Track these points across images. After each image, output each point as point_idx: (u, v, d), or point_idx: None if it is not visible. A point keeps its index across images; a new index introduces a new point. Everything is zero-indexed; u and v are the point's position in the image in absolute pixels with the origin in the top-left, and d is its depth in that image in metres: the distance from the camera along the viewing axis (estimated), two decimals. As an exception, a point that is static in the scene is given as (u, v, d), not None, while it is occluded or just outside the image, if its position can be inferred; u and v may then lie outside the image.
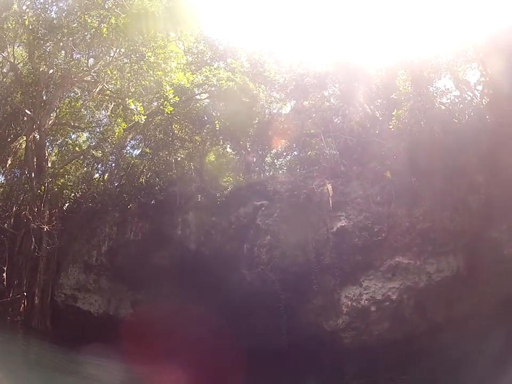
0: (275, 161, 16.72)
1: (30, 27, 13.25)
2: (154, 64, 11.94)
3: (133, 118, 11.95)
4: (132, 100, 11.71)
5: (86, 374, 11.77)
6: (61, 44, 16.17)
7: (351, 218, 12.14)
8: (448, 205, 11.93)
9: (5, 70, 18.15)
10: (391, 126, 12.47)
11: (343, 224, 11.99)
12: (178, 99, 11.74)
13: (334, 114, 14.20)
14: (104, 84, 14.04)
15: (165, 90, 11.72)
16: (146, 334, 12.45)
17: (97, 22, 12.75)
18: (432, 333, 11.75)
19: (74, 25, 12.55)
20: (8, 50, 15.54)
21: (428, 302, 12.05)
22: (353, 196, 12.42)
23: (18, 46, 17.61)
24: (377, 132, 14.16)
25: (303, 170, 13.01)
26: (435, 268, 12.08)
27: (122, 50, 13.24)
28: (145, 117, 12.16)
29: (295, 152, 15.73)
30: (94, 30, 12.57)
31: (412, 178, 12.58)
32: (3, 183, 19.48)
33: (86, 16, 12.61)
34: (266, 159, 16.16)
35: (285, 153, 16.12)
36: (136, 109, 11.56)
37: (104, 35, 12.50)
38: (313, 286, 11.73)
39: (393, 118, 12.67)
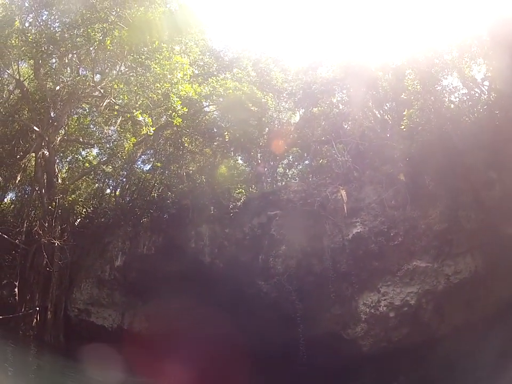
0: (287, 171, 16.59)
1: (34, 42, 13.32)
2: (161, 76, 11.89)
3: (142, 130, 11.91)
4: (139, 112, 11.65)
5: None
6: (66, 60, 16.26)
7: (366, 224, 11.96)
8: (463, 203, 11.76)
9: (11, 87, 18.27)
10: (402, 126, 12.33)
11: (359, 230, 11.82)
12: (186, 110, 11.67)
13: (344, 120, 14.08)
14: (112, 98, 14.06)
15: (173, 102, 11.68)
16: (161, 348, 12.32)
17: (100, 35, 12.78)
18: (452, 337, 11.55)
19: (78, 39, 12.57)
20: (13, 67, 15.61)
21: (447, 305, 11.86)
22: (368, 201, 12.25)
23: (23, 64, 17.71)
24: (388, 135, 14.04)
25: (315, 178, 12.87)
26: (453, 269, 11.89)
27: (128, 63, 13.24)
28: (154, 128, 12.09)
29: (306, 161, 15.61)
30: (97, 43, 12.57)
31: (426, 179, 12.46)
32: (14, 200, 19.63)
33: (89, 29, 12.65)
34: (278, 169, 16.02)
35: (296, 163, 15.99)
36: (145, 121, 11.50)
37: (108, 47, 12.48)
38: (330, 294, 11.54)
39: (404, 118, 12.56)
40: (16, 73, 15.74)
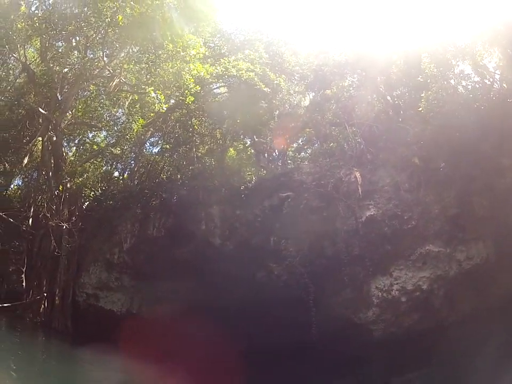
0: (297, 154, 16.40)
1: (43, 19, 13.06)
2: (173, 53, 11.69)
3: (153, 108, 11.69)
4: (151, 89, 11.43)
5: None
6: (74, 42, 16.03)
7: (379, 206, 11.75)
8: (476, 190, 11.60)
9: (17, 72, 18.06)
10: (420, 108, 12.16)
11: (372, 213, 11.60)
12: (199, 88, 11.44)
13: (356, 103, 13.86)
14: (121, 77, 13.83)
15: (185, 80, 11.47)
16: (171, 332, 12.20)
17: (111, 13, 12.50)
18: (461, 324, 11.44)
19: (89, 12, 12.29)
20: (20, 52, 15.37)
21: (458, 292, 11.74)
22: (381, 184, 12.03)
23: (29, 48, 17.49)
24: (400, 119, 13.83)
25: (328, 160, 12.69)
26: (465, 255, 11.76)
27: (139, 41, 12.97)
28: (167, 105, 11.89)
29: (316, 145, 15.41)
30: (109, 19, 12.30)
31: (440, 164, 12.30)
32: (20, 185, 19.50)
33: (99, 5, 12.36)
34: (288, 152, 15.82)
35: (305, 147, 15.82)
36: (157, 97, 11.29)
37: (120, 23, 12.21)
38: (342, 277, 11.37)
39: (422, 100, 12.39)
40: (22, 57, 15.51)
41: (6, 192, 19.01)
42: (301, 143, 15.75)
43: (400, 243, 11.74)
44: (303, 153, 16.42)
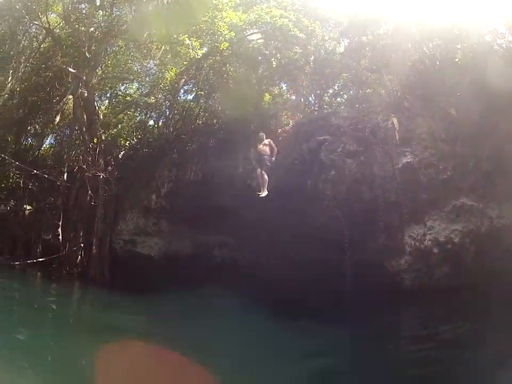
0: (333, 99, 16.31)
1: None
2: (205, 1, 11.63)
3: (188, 55, 11.72)
4: (185, 36, 11.42)
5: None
6: (98, 2, 15.94)
7: (416, 154, 11.65)
8: (510, 148, 11.40)
9: (40, 38, 18.10)
10: (456, 59, 11.93)
11: (409, 160, 11.51)
12: (234, 34, 11.41)
13: (392, 51, 13.59)
14: (151, 30, 13.80)
15: (219, 27, 11.45)
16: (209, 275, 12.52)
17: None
18: (490, 282, 11.44)
19: None
20: (42, 19, 15.31)
21: (488, 249, 11.72)
22: (418, 132, 11.87)
23: (51, 14, 17.44)
24: (436, 69, 13.54)
25: (365, 105, 12.60)
26: (496, 213, 11.65)
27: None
28: (202, 51, 11.92)
29: (352, 91, 15.31)
30: None
31: (476, 118, 12.10)
32: (53, 143, 19.93)
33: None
34: (324, 97, 15.75)
35: (341, 92, 15.75)
36: (192, 44, 11.31)
37: None
38: (378, 223, 11.44)
39: (458, 51, 12.15)
40: (45, 24, 15.46)
41: (39, 152, 19.50)
42: (337, 89, 15.69)
43: (435, 193, 11.71)
44: (339, 99, 16.36)
